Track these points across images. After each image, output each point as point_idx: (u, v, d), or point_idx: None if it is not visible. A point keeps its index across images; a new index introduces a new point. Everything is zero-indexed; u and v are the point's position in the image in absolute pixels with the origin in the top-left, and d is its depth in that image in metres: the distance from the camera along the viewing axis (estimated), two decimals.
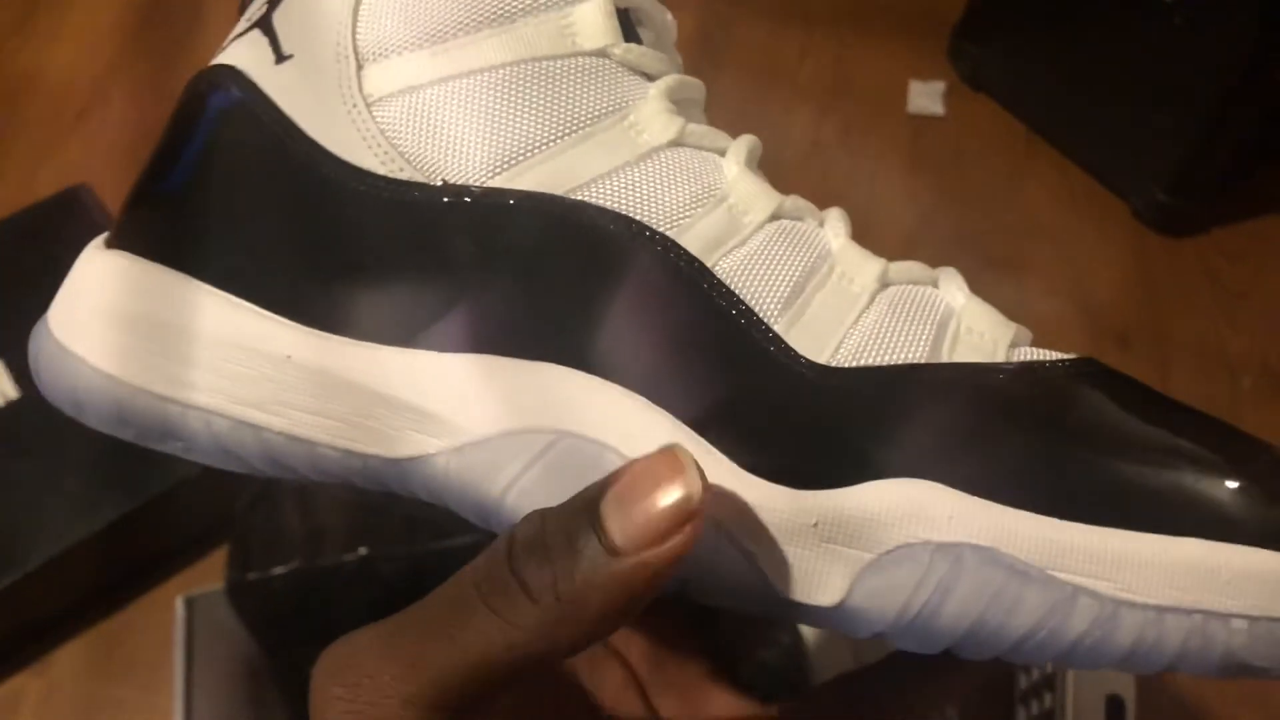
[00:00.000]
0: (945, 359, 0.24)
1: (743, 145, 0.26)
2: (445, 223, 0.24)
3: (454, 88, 0.24)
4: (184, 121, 0.25)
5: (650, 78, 0.26)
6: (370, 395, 0.24)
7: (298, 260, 0.24)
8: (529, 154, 0.24)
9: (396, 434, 0.24)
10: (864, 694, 0.29)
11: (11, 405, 0.60)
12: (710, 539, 0.22)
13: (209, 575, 0.63)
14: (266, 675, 0.58)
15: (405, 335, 0.24)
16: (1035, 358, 0.24)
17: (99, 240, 0.26)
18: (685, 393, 0.23)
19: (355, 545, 0.54)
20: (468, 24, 0.24)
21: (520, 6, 0.25)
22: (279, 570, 0.53)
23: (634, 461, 0.21)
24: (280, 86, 0.25)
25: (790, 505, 0.22)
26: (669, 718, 0.31)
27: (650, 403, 0.23)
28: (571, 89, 0.25)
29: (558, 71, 0.25)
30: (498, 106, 0.24)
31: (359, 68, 0.24)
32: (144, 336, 0.24)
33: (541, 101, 0.24)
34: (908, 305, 0.24)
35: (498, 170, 0.24)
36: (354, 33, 0.24)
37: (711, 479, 0.22)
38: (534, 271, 0.24)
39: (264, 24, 0.25)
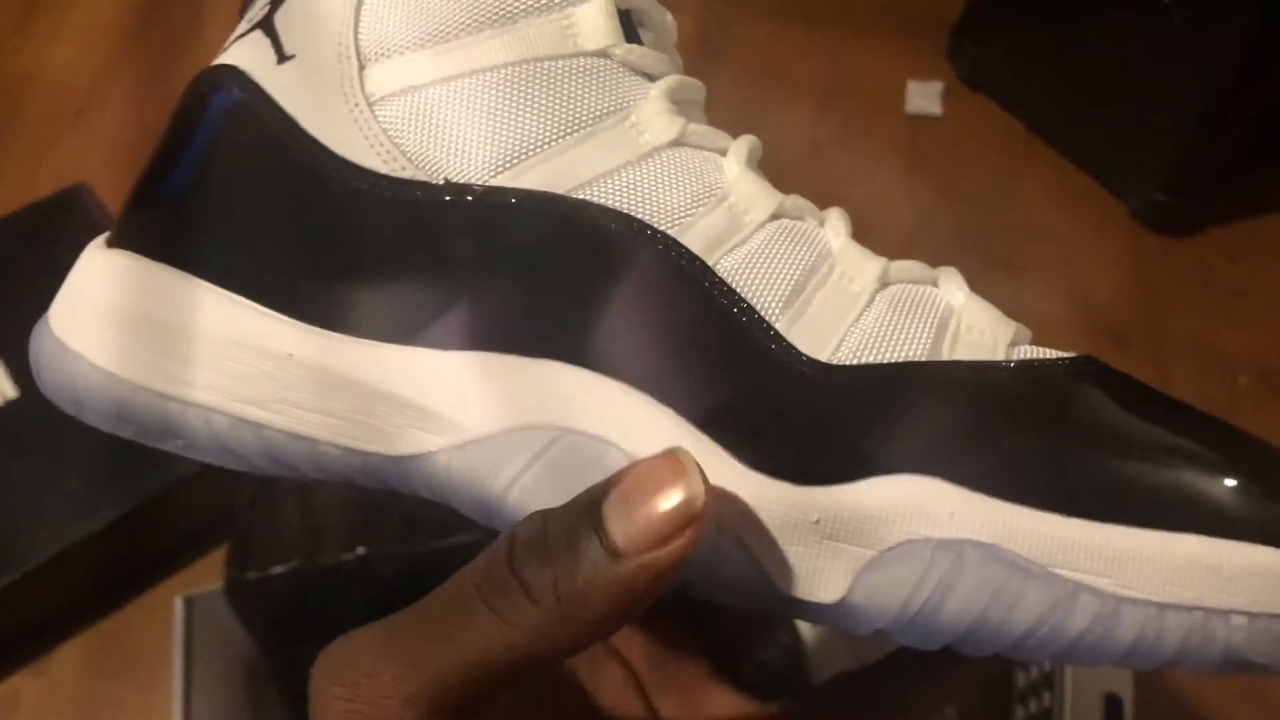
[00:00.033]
0: (946, 357, 0.24)
1: (743, 145, 0.26)
2: (447, 221, 0.24)
3: (456, 87, 0.24)
4: (185, 121, 0.26)
5: (651, 78, 0.26)
6: (371, 393, 0.24)
7: (299, 258, 0.24)
8: (531, 153, 0.24)
9: (398, 431, 0.24)
10: (864, 694, 0.29)
11: (10, 405, 0.60)
12: (711, 536, 0.22)
13: (208, 575, 0.63)
14: (265, 674, 0.58)
15: (407, 333, 0.24)
16: (1035, 356, 0.24)
17: (100, 240, 0.26)
18: (687, 390, 0.23)
19: (354, 544, 0.54)
20: (469, 24, 0.24)
21: (522, 7, 0.25)
22: (278, 570, 0.53)
23: (637, 463, 0.21)
24: (282, 86, 0.25)
25: (791, 502, 0.22)
26: (669, 717, 0.31)
27: (652, 399, 0.23)
28: (573, 89, 0.25)
29: (559, 71, 0.25)
30: (500, 106, 0.24)
31: (361, 68, 0.24)
32: (145, 335, 0.24)
33: (543, 101, 0.24)
34: (908, 304, 0.25)
35: (500, 169, 0.24)
36: (356, 33, 0.25)
37: (713, 476, 0.22)
38: (535, 270, 0.24)
39: (266, 25, 0.25)
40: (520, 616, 0.21)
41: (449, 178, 0.24)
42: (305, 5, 0.25)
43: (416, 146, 0.24)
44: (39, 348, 0.25)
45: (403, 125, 0.24)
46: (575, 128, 0.24)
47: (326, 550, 0.54)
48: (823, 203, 0.27)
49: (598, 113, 0.25)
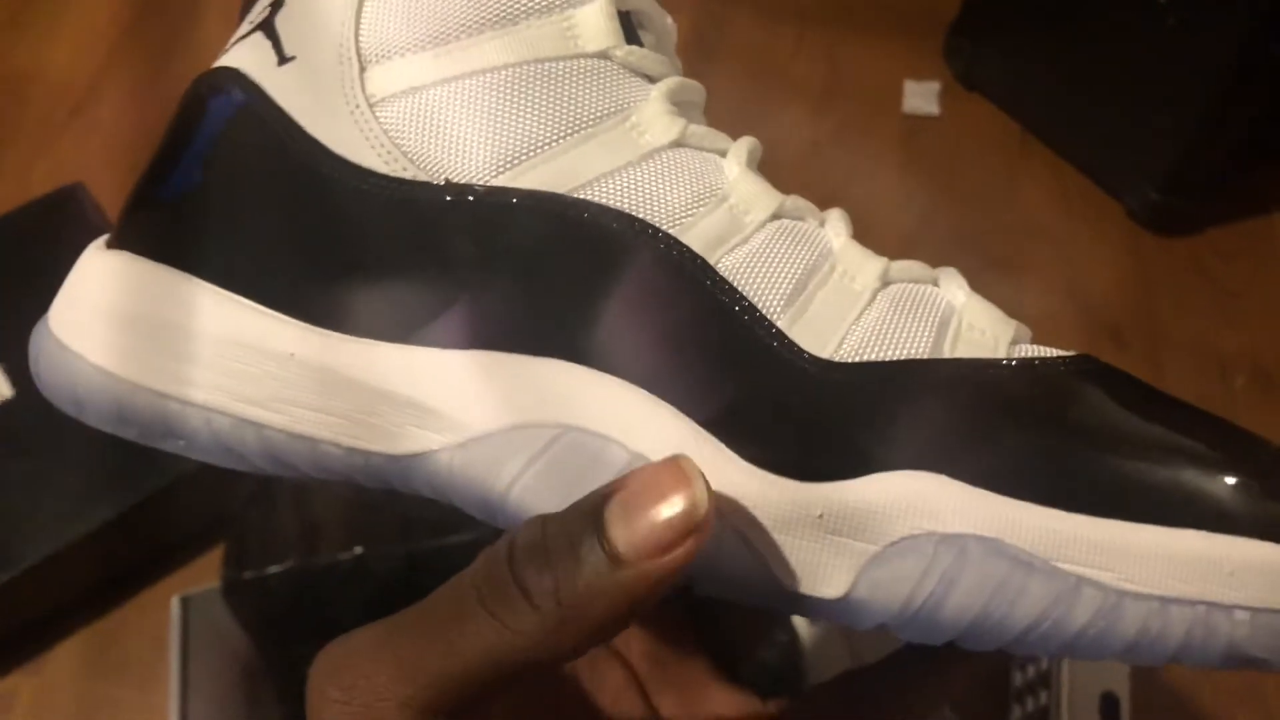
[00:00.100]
0: (947, 355, 0.24)
1: (743, 146, 0.26)
2: (448, 221, 0.24)
3: (457, 88, 0.24)
4: (186, 123, 0.26)
5: (651, 80, 0.26)
6: (373, 392, 0.24)
7: (300, 259, 0.24)
8: (531, 154, 0.24)
9: (399, 430, 0.24)
10: (864, 694, 0.29)
11: (7, 404, 0.60)
12: (715, 532, 0.22)
13: (204, 574, 0.62)
14: (262, 674, 0.58)
15: (408, 332, 0.24)
16: (1036, 355, 0.24)
17: (99, 241, 0.26)
18: (689, 388, 0.23)
19: (351, 544, 0.54)
20: (470, 25, 0.24)
21: (522, 8, 0.25)
22: (274, 569, 0.53)
23: (640, 469, 0.21)
24: (283, 88, 0.25)
25: (794, 498, 0.22)
26: (669, 717, 0.31)
27: (654, 397, 0.23)
28: (574, 90, 0.25)
29: (560, 73, 0.25)
30: (500, 107, 0.24)
31: (362, 69, 0.24)
32: (145, 335, 0.24)
33: (544, 102, 0.24)
34: (909, 303, 0.25)
35: (500, 170, 0.24)
36: (357, 34, 0.25)
37: (716, 473, 0.22)
38: (536, 269, 0.24)
39: (266, 26, 0.25)
40: (520, 621, 0.21)
41: (450, 178, 0.24)
42: (306, 7, 0.25)
43: (417, 147, 0.24)
44: (39, 349, 0.25)
45: (403, 126, 0.24)
46: (576, 129, 0.24)
47: (323, 549, 0.54)
48: (821, 202, 0.27)
49: (598, 114, 0.25)
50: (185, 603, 0.56)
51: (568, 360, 0.23)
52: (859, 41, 0.90)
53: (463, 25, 0.24)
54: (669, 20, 0.27)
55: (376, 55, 0.24)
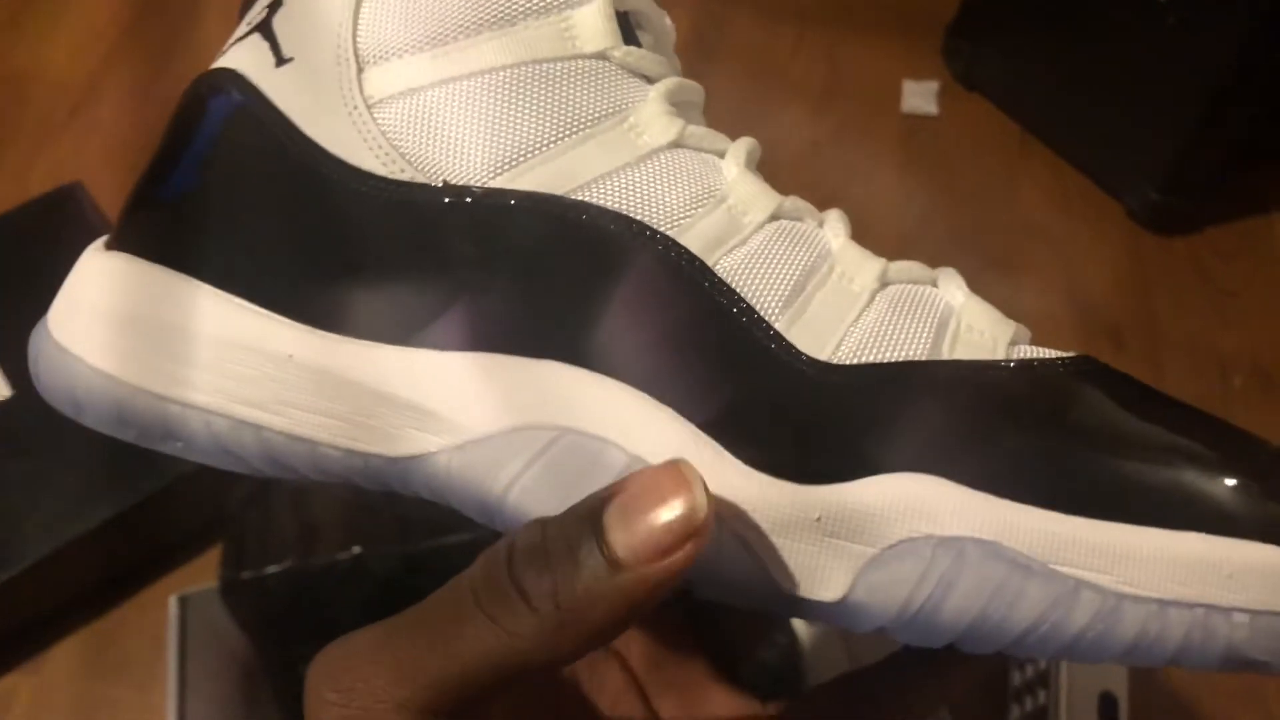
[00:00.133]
0: (946, 356, 0.24)
1: (742, 147, 0.26)
2: (446, 223, 0.24)
3: (455, 89, 0.24)
4: (184, 124, 0.26)
5: (650, 80, 0.26)
6: (371, 394, 0.24)
7: (299, 260, 0.24)
8: (530, 155, 0.24)
9: (398, 433, 0.24)
10: (863, 694, 0.29)
11: (6, 404, 0.60)
12: (713, 535, 0.22)
13: (202, 574, 0.62)
14: (260, 674, 0.58)
15: (406, 334, 0.24)
16: (1035, 356, 0.24)
17: (99, 242, 0.26)
18: (687, 390, 0.23)
19: (349, 544, 0.54)
20: (468, 27, 0.24)
21: (520, 9, 0.25)
22: (272, 569, 0.53)
23: (639, 473, 0.21)
24: (281, 89, 0.25)
25: (792, 500, 0.22)
26: (669, 718, 0.31)
27: (652, 399, 0.23)
28: (572, 91, 0.25)
29: (558, 74, 0.25)
30: (498, 108, 0.24)
31: (359, 70, 0.24)
32: (144, 337, 0.24)
33: (542, 103, 0.24)
34: (908, 304, 0.25)
35: (499, 171, 0.24)
36: (354, 36, 0.25)
37: (714, 475, 0.22)
38: (535, 271, 0.24)
39: (264, 28, 0.25)
40: (518, 625, 0.21)
41: (448, 179, 0.24)
42: (304, 8, 0.25)
43: (415, 148, 0.24)
44: (38, 350, 0.25)
45: (401, 127, 0.24)
46: (574, 130, 0.24)
47: (321, 550, 0.54)
48: (820, 202, 0.27)
49: (596, 115, 0.25)
50: (184, 603, 0.56)
51: (566, 362, 0.23)
52: (858, 41, 0.90)
53: (460, 26, 0.24)
54: (667, 20, 0.27)
55: (374, 56, 0.24)
